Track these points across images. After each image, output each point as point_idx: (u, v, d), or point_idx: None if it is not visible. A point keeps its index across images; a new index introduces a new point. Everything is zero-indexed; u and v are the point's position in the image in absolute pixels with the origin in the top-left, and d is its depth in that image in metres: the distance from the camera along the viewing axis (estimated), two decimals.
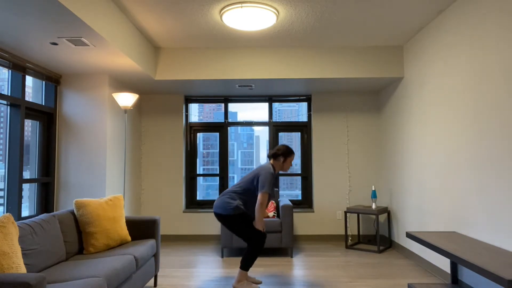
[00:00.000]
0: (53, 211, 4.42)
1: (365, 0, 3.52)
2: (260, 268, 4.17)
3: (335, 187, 5.69)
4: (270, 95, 5.93)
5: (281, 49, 4.83)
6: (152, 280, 3.77)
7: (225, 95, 5.93)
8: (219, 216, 3.52)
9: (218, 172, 5.94)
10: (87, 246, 3.09)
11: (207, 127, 6.03)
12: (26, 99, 4.04)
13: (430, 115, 4.00)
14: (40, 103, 4.42)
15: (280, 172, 3.41)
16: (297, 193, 5.97)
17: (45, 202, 4.39)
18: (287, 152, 3.61)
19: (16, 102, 3.84)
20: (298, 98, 5.94)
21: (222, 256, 4.68)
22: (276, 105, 6.13)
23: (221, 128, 5.99)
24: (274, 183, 3.59)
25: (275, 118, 5.98)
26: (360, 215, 5.63)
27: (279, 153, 3.62)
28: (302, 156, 5.92)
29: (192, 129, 6.02)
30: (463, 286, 3.32)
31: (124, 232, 3.34)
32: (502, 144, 2.82)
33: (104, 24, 3.33)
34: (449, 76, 3.60)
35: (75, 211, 3.18)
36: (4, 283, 1.75)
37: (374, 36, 4.47)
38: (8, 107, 3.89)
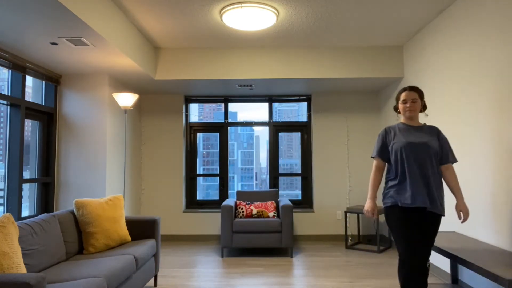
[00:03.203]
0: (53, 211, 4.41)
1: (365, 0, 3.52)
2: (260, 268, 4.18)
3: (335, 187, 5.69)
4: (270, 95, 5.93)
5: (281, 49, 4.83)
6: (152, 280, 3.77)
7: (225, 95, 5.93)
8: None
9: (218, 172, 5.93)
10: (87, 246, 3.08)
11: (207, 127, 6.03)
12: (26, 99, 4.04)
13: (430, 115, 4.00)
14: (40, 103, 4.42)
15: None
16: (297, 193, 5.97)
17: (45, 202, 4.39)
18: (396, 98, 2.78)
19: (16, 102, 3.84)
20: (298, 98, 5.94)
21: (222, 256, 4.68)
22: (276, 105, 6.13)
23: (221, 128, 5.99)
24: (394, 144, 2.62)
25: (275, 118, 5.98)
26: (360, 215, 5.63)
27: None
28: (302, 156, 5.91)
29: (192, 129, 6.02)
30: (463, 286, 3.32)
31: (124, 232, 3.34)
32: (501, 144, 2.82)
33: (104, 24, 3.33)
34: (449, 75, 3.60)
35: (75, 211, 3.18)
36: (4, 283, 1.75)
37: (374, 36, 4.47)
38: (8, 107, 3.89)
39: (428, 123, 4.04)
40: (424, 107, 2.73)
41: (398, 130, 2.66)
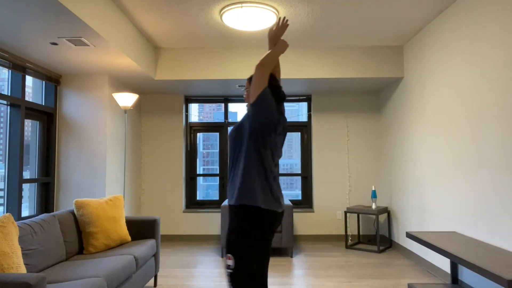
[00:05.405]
0: (53, 211, 4.41)
1: (365, 0, 3.52)
2: None
3: (335, 187, 5.69)
4: None
5: None
6: (152, 280, 3.77)
7: (225, 95, 5.93)
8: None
9: (218, 172, 5.93)
10: (87, 246, 3.09)
11: (207, 127, 6.03)
12: (26, 99, 4.04)
13: (430, 115, 4.00)
14: (40, 103, 4.42)
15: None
16: (297, 193, 5.97)
17: (45, 202, 4.39)
18: None
19: (16, 102, 3.84)
20: (298, 98, 5.94)
21: (222, 256, 4.68)
22: None
23: (221, 128, 5.99)
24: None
25: None
26: (360, 215, 5.63)
27: None
28: (302, 156, 5.91)
29: (192, 129, 6.02)
30: (463, 286, 3.32)
31: (124, 232, 3.34)
32: (501, 144, 2.82)
33: (104, 24, 3.33)
34: (449, 76, 3.60)
35: (75, 211, 3.18)
36: (4, 283, 1.75)
37: (374, 36, 4.47)
38: (8, 107, 3.89)
39: (428, 123, 4.04)
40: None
41: None
